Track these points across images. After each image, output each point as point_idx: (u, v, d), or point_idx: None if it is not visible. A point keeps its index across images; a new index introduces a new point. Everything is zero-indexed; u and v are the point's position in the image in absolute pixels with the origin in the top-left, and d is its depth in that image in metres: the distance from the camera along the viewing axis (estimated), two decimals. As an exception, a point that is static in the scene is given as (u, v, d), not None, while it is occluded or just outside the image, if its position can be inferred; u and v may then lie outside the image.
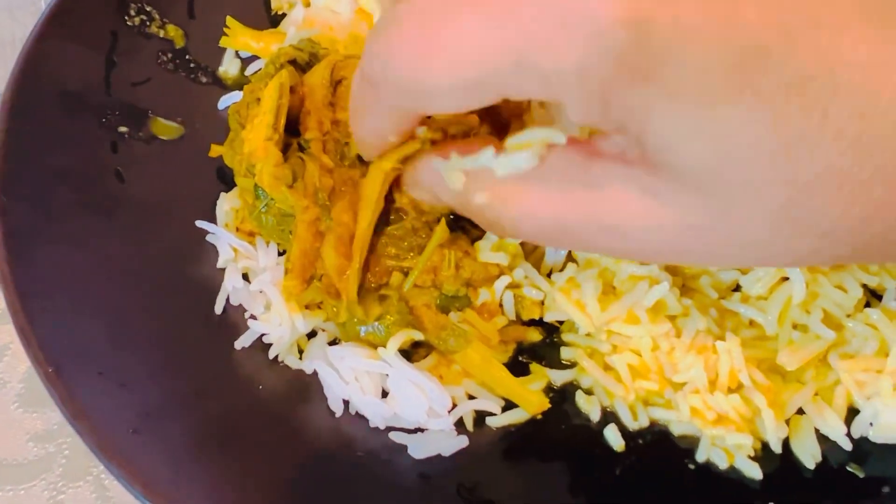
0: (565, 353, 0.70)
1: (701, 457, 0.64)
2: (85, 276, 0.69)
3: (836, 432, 0.64)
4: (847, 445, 0.64)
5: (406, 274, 0.68)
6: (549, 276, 0.71)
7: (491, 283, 0.70)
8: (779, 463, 0.64)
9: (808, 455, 0.63)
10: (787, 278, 0.67)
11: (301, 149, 0.72)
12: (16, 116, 0.77)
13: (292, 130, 0.74)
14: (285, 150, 0.72)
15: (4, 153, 0.74)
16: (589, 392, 0.68)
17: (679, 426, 0.66)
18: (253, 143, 0.70)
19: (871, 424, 0.65)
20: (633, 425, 0.66)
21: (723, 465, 0.63)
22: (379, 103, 0.53)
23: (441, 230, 0.68)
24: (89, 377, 0.62)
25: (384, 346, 0.66)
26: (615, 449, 0.65)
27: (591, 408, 0.67)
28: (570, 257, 0.72)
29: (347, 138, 0.75)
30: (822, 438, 0.65)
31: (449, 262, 0.68)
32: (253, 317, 0.70)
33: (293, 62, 0.78)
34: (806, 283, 0.65)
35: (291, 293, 0.68)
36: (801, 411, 0.66)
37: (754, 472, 0.62)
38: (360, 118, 0.59)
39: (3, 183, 0.72)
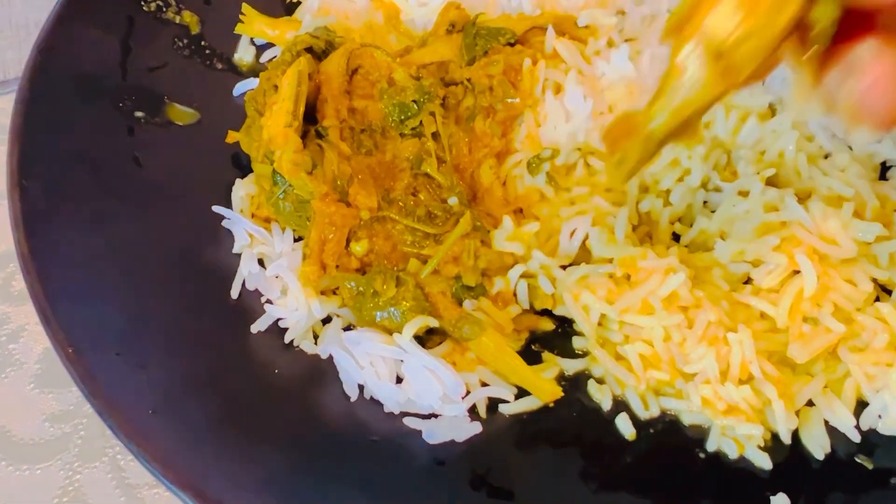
0: (577, 343, 0.71)
1: (711, 446, 0.65)
2: (103, 259, 0.70)
3: (846, 424, 0.65)
4: (856, 437, 0.65)
5: (424, 261, 0.68)
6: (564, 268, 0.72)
7: (505, 272, 0.70)
8: (788, 453, 0.64)
9: (818, 446, 0.64)
10: (798, 272, 0.68)
11: (319, 136, 0.73)
12: (33, 101, 0.78)
13: (309, 118, 0.75)
14: (303, 137, 0.72)
15: (22, 137, 0.75)
16: (601, 381, 0.69)
17: (690, 416, 0.66)
18: (272, 129, 0.71)
19: (879, 417, 0.65)
20: (644, 414, 0.67)
21: (733, 454, 0.64)
22: None
23: (465, 221, 0.69)
24: (108, 358, 0.63)
25: (399, 332, 0.66)
26: (626, 437, 0.66)
27: (602, 397, 0.68)
28: (583, 248, 0.72)
29: (364, 126, 0.76)
30: (831, 430, 0.65)
31: (469, 253, 0.68)
32: (269, 301, 0.70)
33: (310, 50, 0.78)
34: (817, 277, 0.66)
35: (309, 278, 0.68)
36: (810, 403, 0.66)
37: (764, 462, 0.63)
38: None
39: (20, 166, 0.73)
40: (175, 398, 0.63)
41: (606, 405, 0.67)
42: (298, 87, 0.72)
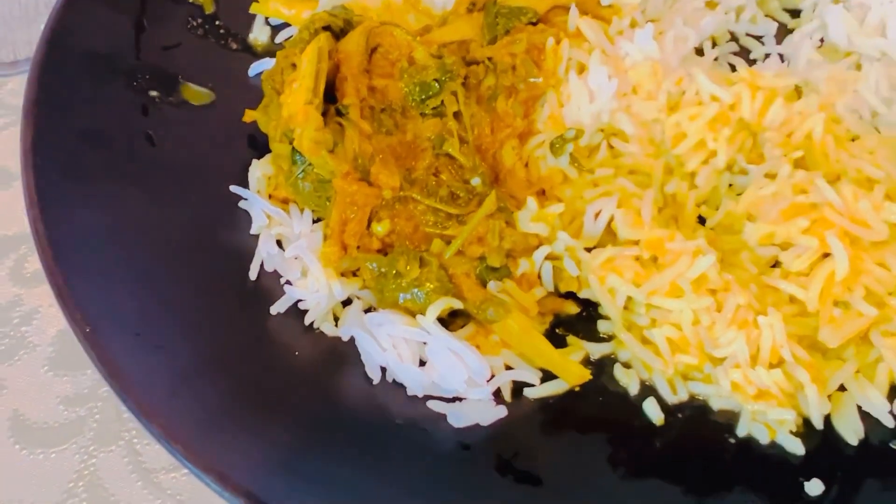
0: (602, 327, 0.69)
1: (742, 431, 0.64)
2: (117, 238, 0.69)
3: (879, 409, 0.63)
4: (890, 422, 0.63)
5: (448, 242, 0.67)
6: (589, 250, 0.70)
7: (530, 253, 0.69)
8: (820, 439, 0.63)
9: (851, 431, 0.63)
10: (828, 255, 0.66)
11: (339, 114, 0.71)
12: (45, 80, 0.77)
13: (328, 97, 0.73)
14: (323, 116, 0.71)
15: (35, 116, 0.74)
16: (627, 365, 0.67)
17: (719, 401, 0.65)
18: (292, 107, 0.69)
19: None
20: (672, 399, 0.65)
21: (764, 440, 0.63)
22: None
23: (490, 201, 0.67)
24: (126, 338, 0.62)
25: (422, 314, 0.65)
26: (654, 422, 0.64)
27: (629, 381, 0.66)
28: (608, 230, 0.71)
29: (384, 105, 0.74)
30: (864, 415, 0.64)
31: (494, 233, 0.67)
32: (289, 283, 0.69)
33: (328, 28, 0.77)
34: (848, 260, 0.65)
35: (330, 259, 0.67)
36: (842, 388, 0.65)
37: (797, 447, 0.62)
38: None
39: (34, 145, 0.72)
40: (194, 380, 0.62)
41: (634, 390, 0.66)
42: (318, 65, 0.71)
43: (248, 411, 0.61)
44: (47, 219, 0.66)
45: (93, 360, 0.59)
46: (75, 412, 0.70)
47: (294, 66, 0.74)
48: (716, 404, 0.65)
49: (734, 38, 0.89)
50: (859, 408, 0.64)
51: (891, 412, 0.64)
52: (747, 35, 0.90)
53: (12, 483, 0.66)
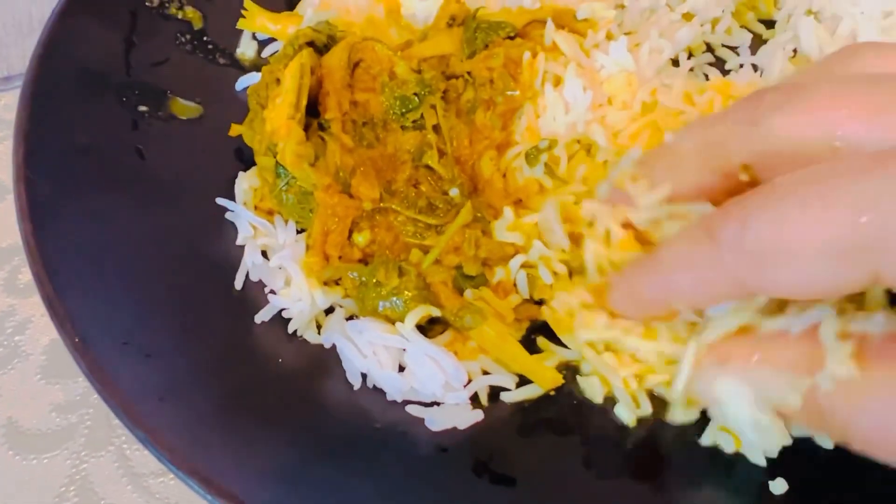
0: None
1: (706, 441, 0.64)
2: (108, 250, 0.71)
3: None
4: None
5: (426, 252, 0.69)
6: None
7: (506, 261, 0.71)
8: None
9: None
10: None
11: (321, 128, 0.74)
12: (38, 94, 0.79)
13: (311, 112, 0.76)
14: (305, 130, 0.73)
15: (27, 130, 0.76)
16: (591, 375, 0.68)
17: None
18: (275, 121, 0.72)
19: None
20: (633, 414, 0.66)
21: (729, 449, 0.64)
22: (714, 266, 0.48)
23: (466, 211, 0.70)
24: (115, 347, 0.64)
25: (402, 322, 0.67)
26: (627, 424, 0.66)
27: (593, 392, 0.67)
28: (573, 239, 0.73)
29: (366, 119, 0.76)
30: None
31: (470, 243, 0.69)
32: (273, 292, 0.71)
33: (311, 44, 0.79)
34: None
35: (312, 269, 0.69)
36: None
37: (759, 459, 0.63)
38: (670, 269, 0.52)
39: (26, 158, 0.74)
40: (181, 387, 0.64)
41: (598, 400, 0.67)
42: (301, 80, 0.73)
43: (233, 417, 0.63)
44: (38, 231, 0.68)
45: (81, 369, 0.61)
46: (67, 419, 0.72)
47: (278, 81, 0.76)
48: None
49: (710, 48, 0.92)
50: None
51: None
52: (723, 46, 0.92)
53: (6, 488, 0.68)
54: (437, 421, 0.65)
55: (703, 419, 0.66)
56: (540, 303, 0.72)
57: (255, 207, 0.77)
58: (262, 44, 0.91)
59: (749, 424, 0.56)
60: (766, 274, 0.44)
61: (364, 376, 0.68)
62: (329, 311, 0.72)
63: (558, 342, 0.71)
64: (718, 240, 0.46)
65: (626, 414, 0.66)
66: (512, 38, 0.81)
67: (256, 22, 0.89)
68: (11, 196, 0.83)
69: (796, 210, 0.41)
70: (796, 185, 0.42)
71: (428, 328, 0.69)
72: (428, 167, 0.74)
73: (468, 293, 0.69)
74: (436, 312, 0.68)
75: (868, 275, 0.39)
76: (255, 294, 0.72)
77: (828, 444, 0.63)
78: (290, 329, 0.70)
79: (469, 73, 0.78)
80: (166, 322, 0.68)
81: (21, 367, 0.76)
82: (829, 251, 0.40)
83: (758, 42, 0.92)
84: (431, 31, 0.83)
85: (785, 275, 0.43)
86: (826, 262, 0.40)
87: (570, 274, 0.71)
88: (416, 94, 0.76)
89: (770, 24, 0.94)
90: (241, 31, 0.91)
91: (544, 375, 0.67)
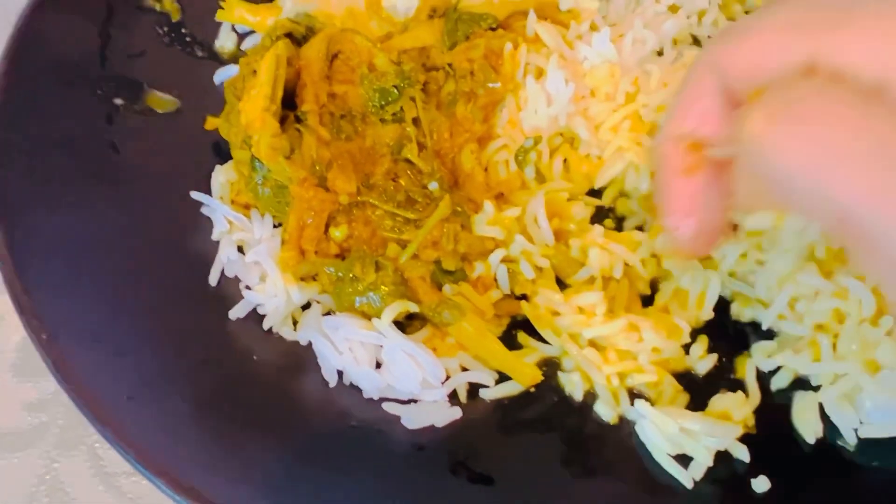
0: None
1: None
2: (80, 246, 0.69)
3: (847, 419, 0.63)
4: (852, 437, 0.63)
5: (403, 246, 0.68)
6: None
7: (486, 256, 0.70)
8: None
9: (811, 431, 0.63)
10: None
11: (298, 121, 0.72)
12: (11, 87, 0.77)
13: (288, 104, 0.74)
14: (282, 122, 0.71)
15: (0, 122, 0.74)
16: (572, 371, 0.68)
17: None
18: (250, 113, 0.70)
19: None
20: (612, 412, 0.65)
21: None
22: (700, 69, 0.48)
23: (444, 205, 0.68)
24: (84, 345, 0.63)
25: (378, 318, 0.66)
26: (607, 422, 0.65)
27: (573, 389, 0.67)
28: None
29: (344, 111, 0.75)
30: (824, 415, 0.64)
31: (449, 237, 0.68)
32: (248, 287, 0.70)
33: (289, 35, 0.78)
34: None
35: (288, 264, 0.68)
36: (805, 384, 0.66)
37: (743, 454, 0.62)
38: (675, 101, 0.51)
39: (-3, 153, 0.72)
40: (152, 385, 0.62)
41: (578, 396, 0.67)
42: (276, 72, 0.71)
43: (206, 416, 0.62)
44: (7, 225, 0.67)
45: (48, 367, 0.60)
46: (38, 417, 0.71)
47: (255, 72, 0.75)
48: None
49: (696, 41, 0.90)
50: (820, 406, 0.64)
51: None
52: (709, 38, 0.90)
53: (-25, 487, 0.67)
54: (414, 419, 0.64)
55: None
56: (521, 298, 0.71)
57: (232, 201, 0.75)
58: (242, 36, 0.89)
59: None
60: (732, 47, 0.46)
61: (340, 373, 0.66)
62: (306, 307, 0.70)
63: (539, 338, 0.69)
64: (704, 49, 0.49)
65: (607, 411, 0.65)
66: (494, 30, 0.80)
67: (235, 13, 0.88)
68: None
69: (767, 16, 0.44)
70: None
71: (406, 324, 0.68)
72: (407, 161, 0.73)
73: (447, 288, 0.68)
74: (413, 308, 0.66)
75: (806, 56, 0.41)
76: (230, 290, 0.70)
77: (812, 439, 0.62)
78: (266, 326, 0.68)
79: (450, 64, 0.77)
80: (138, 319, 0.66)
81: (-8, 365, 0.74)
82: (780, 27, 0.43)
83: (745, 35, 0.90)
84: (412, 23, 0.82)
85: (747, 46, 0.45)
86: (776, 35, 0.43)
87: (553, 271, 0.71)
88: (395, 86, 0.74)
89: (757, 15, 0.92)
90: (220, 24, 0.89)
91: (524, 372, 0.66)
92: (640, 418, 0.63)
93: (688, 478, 0.61)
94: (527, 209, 0.72)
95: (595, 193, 0.76)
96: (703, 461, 0.61)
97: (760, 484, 0.60)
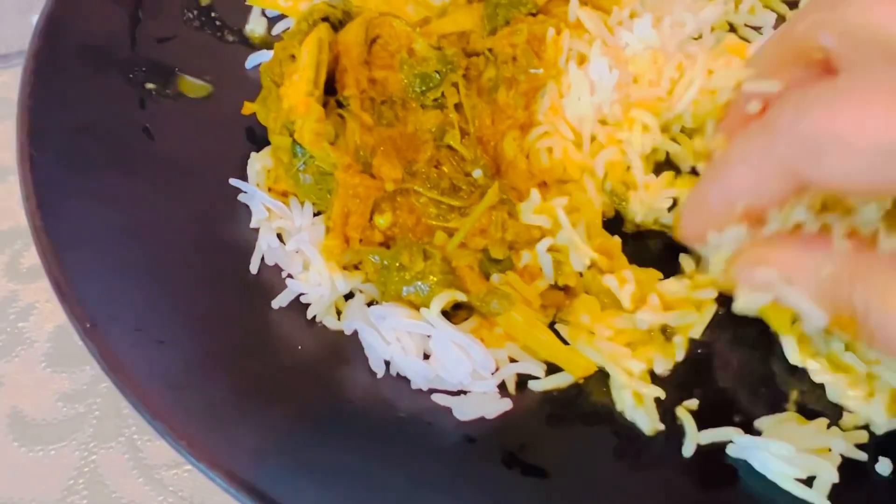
0: (605, 320, 0.69)
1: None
2: (116, 232, 0.68)
3: None
4: None
5: (450, 234, 0.67)
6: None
7: (533, 245, 0.68)
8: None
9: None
10: None
11: (339, 106, 0.71)
12: (41, 71, 0.75)
13: (327, 90, 0.73)
14: (323, 108, 0.70)
15: (31, 107, 0.72)
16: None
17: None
18: (293, 98, 0.69)
19: None
20: (654, 427, 0.64)
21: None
22: (767, 153, 0.45)
23: (493, 192, 0.67)
24: (127, 333, 0.61)
25: (426, 307, 0.64)
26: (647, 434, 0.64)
27: (624, 405, 0.64)
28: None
29: (384, 97, 0.73)
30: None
31: (497, 225, 0.66)
32: (290, 276, 0.68)
33: (326, 19, 0.76)
34: None
35: (332, 252, 0.66)
36: None
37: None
38: (728, 166, 0.49)
39: (30, 136, 0.70)
40: (197, 375, 0.61)
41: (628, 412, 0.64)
42: (319, 56, 0.70)
43: (251, 406, 0.60)
44: (45, 212, 0.65)
45: (94, 356, 0.58)
46: (74, 408, 0.69)
47: (293, 57, 0.73)
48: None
49: (733, 28, 0.89)
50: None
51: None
52: (746, 26, 0.89)
53: (12, 481, 0.65)
54: (464, 410, 0.62)
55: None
56: (565, 289, 0.70)
57: (269, 189, 0.74)
58: (272, 21, 0.88)
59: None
60: (816, 160, 0.42)
61: (387, 364, 0.65)
62: (348, 296, 0.69)
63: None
64: (773, 126, 0.45)
65: (647, 425, 0.64)
66: (534, 15, 0.78)
67: (266, -2, 0.86)
68: (11, 177, 0.81)
69: (856, 107, 0.40)
70: (860, 80, 0.42)
71: (452, 314, 0.67)
72: (450, 147, 0.71)
73: (495, 277, 0.67)
74: (462, 297, 0.65)
75: None
76: (272, 278, 0.69)
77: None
78: (309, 315, 0.67)
79: (490, 50, 0.76)
80: (179, 307, 0.65)
81: (25, 354, 0.72)
82: (881, 149, 0.39)
83: (781, 22, 0.89)
84: (450, 7, 0.80)
85: (835, 163, 0.41)
86: (877, 159, 0.40)
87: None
88: (436, 71, 0.73)
89: (794, 4, 0.91)
90: (249, 8, 0.88)
91: (576, 363, 0.64)
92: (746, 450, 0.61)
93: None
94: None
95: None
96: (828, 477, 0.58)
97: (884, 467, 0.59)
